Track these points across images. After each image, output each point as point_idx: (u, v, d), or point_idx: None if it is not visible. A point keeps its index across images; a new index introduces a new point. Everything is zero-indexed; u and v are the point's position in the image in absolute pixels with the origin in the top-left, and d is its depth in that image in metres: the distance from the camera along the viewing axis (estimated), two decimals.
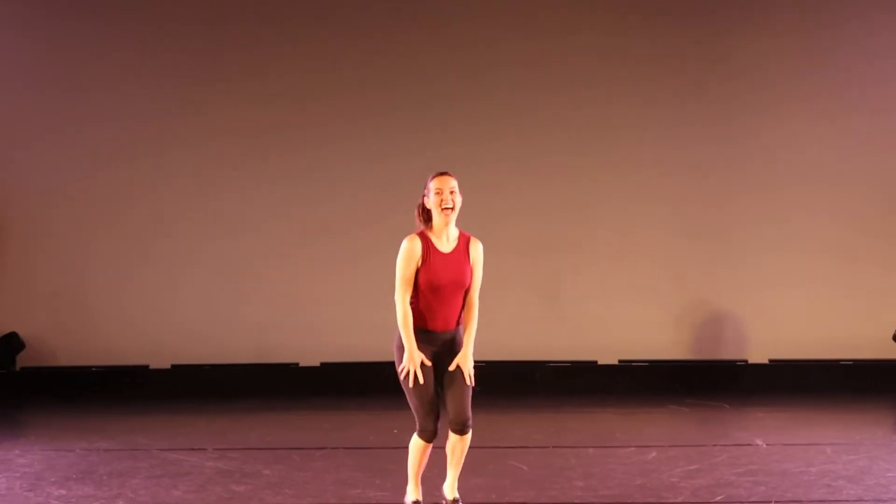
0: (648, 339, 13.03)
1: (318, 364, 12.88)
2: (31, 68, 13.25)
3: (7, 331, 13.22)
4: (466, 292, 7.39)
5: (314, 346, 12.95)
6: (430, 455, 7.57)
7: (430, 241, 7.36)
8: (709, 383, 12.89)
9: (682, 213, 13.13)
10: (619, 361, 13.07)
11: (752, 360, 13.06)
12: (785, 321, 13.01)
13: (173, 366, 13.20)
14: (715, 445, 9.70)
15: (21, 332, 13.22)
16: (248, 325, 13.16)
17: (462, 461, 7.58)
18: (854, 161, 13.08)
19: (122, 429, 10.87)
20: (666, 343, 13.06)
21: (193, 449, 9.74)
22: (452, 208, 7.33)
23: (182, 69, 13.20)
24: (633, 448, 9.61)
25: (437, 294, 7.29)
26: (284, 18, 13.21)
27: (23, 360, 13.24)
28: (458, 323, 7.41)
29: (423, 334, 7.33)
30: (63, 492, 8.28)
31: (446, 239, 7.39)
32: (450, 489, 7.66)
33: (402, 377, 7.33)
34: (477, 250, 7.45)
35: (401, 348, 7.35)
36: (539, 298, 13.13)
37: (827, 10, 13.12)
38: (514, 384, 12.93)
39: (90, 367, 13.20)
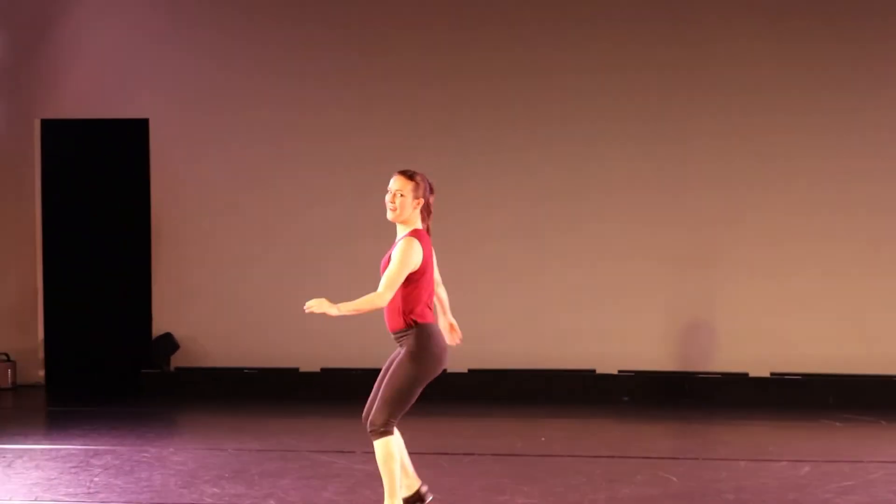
0: (802, 352, 12.75)
1: (465, 371, 12.88)
2: (203, 83, 13.61)
3: (162, 331, 13.52)
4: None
5: (462, 353, 12.89)
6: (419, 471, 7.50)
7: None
8: (864, 398, 12.56)
9: (837, 223, 12.83)
10: (772, 374, 12.82)
11: None
12: None
13: (323, 369, 13.34)
14: (871, 462, 9.46)
15: (175, 333, 13.50)
16: None
17: (382, 473, 7.09)
18: None
19: (273, 430, 11.04)
20: (820, 356, 12.77)
21: (343, 451, 9.83)
22: (394, 210, 7.27)
23: (334, 72, 13.41)
24: (785, 462, 9.43)
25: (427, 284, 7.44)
26: (443, 23, 13.34)
27: (177, 361, 13.54)
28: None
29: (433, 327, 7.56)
30: (216, 490, 8.42)
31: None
32: None
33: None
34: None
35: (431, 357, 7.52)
36: (690, 310, 12.95)
37: None
38: (664, 395, 12.81)
39: (242, 369, 13.42)
